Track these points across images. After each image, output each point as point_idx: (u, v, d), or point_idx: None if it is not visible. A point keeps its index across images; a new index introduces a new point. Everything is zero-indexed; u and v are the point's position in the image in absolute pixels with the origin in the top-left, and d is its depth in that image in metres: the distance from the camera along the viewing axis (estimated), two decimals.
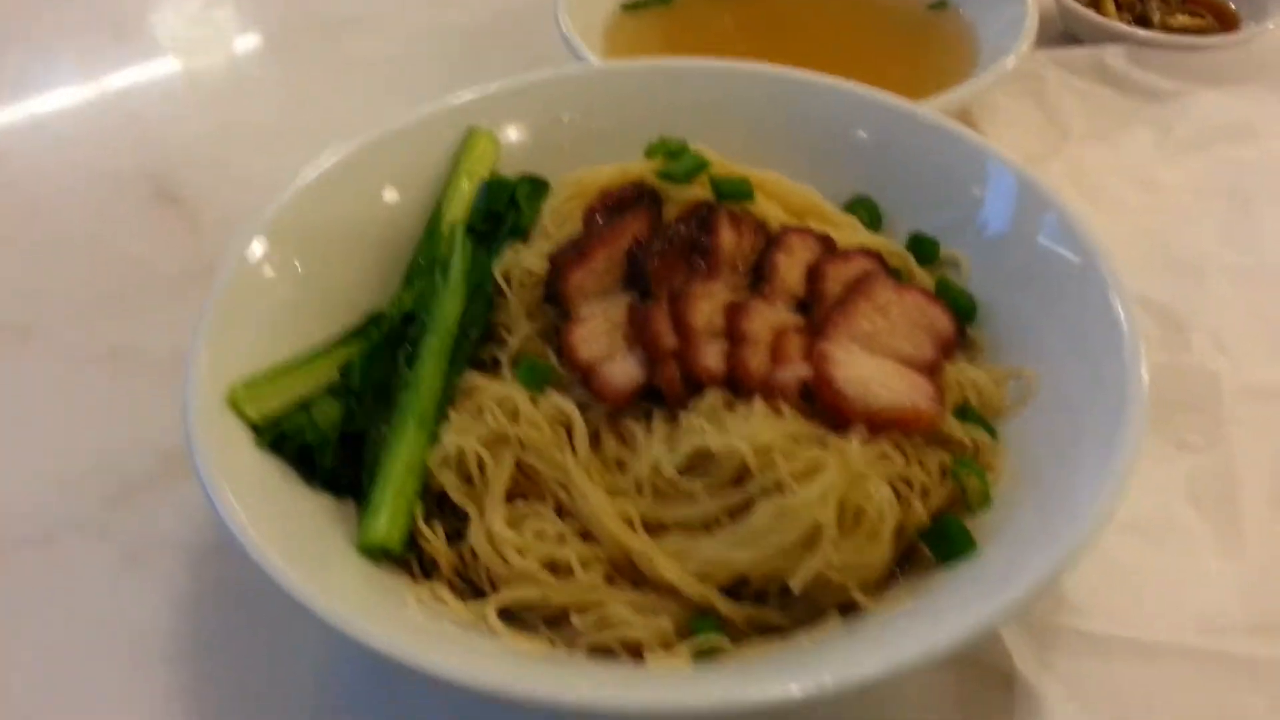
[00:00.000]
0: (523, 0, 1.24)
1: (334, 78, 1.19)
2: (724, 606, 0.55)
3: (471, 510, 0.59)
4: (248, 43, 1.29)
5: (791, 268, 0.66)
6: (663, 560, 0.55)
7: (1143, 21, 1.08)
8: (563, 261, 0.66)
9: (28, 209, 1.02)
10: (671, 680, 0.51)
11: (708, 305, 0.63)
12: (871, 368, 0.60)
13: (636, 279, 0.65)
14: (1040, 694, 0.58)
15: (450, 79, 1.14)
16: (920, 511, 0.58)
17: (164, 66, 1.24)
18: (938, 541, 0.57)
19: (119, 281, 0.93)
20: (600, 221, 0.69)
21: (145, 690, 0.64)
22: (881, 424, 0.58)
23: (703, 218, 0.68)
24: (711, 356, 0.60)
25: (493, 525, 0.57)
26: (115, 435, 0.79)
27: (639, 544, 0.56)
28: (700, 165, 0.72)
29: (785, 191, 0.74)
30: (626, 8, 1.08)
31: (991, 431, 0.62)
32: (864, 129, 0.76)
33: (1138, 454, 0.53)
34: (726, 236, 0.67)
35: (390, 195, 0.75)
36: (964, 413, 0.63)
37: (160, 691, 0.64)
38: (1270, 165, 0.95)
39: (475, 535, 0.58)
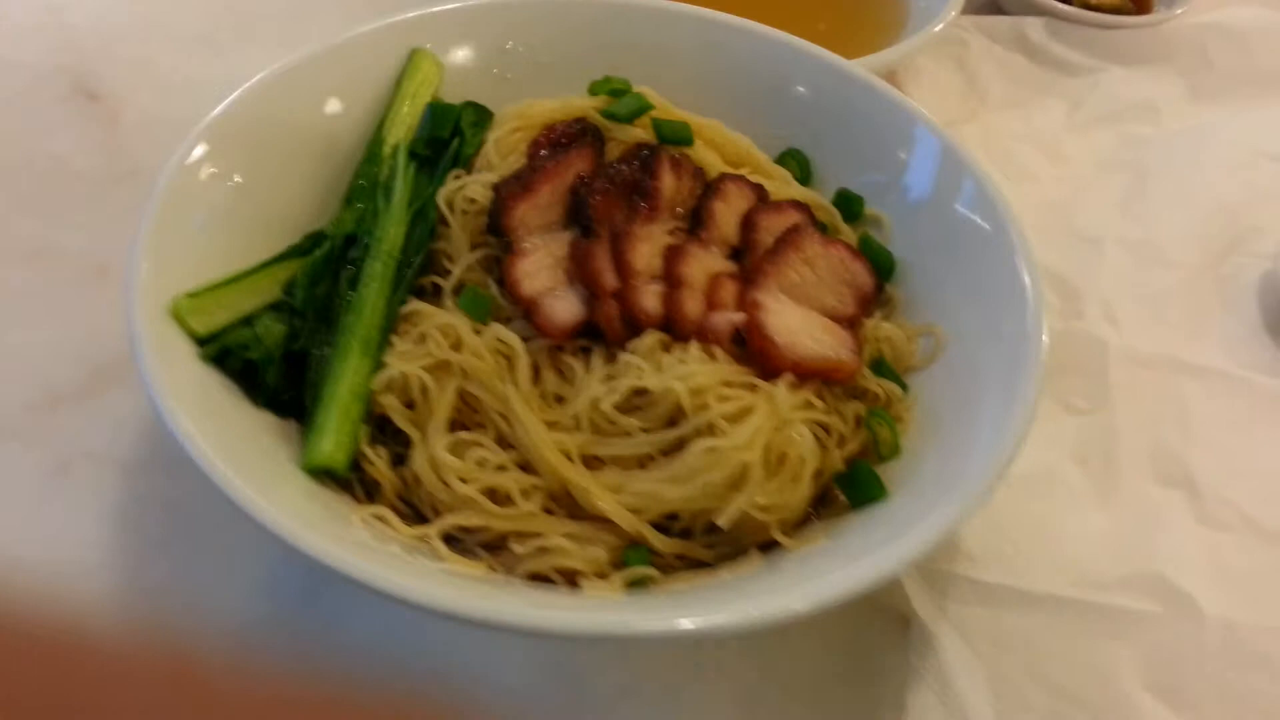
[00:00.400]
0: None
1: None
2: (655, 539, 0.59)
3: (415, 435, 0.61)
4: None
5: (727, 215, 0.69)
6: (599, 492, 0.58)
7: None
8: (507, 193, 0.67)
9: None
10: (607, 605, 0.55)
11: (647, 247, 0.66)
12: (799, 318, 0.64)
13: (579, 215, 0.67)
14: (934, 635, 0.63)
15: None
16: (836, 457, 0.62)
17: None
18: (851, 486, 0.61)
19: (36, 180, 0.90)
20: (545, 155, 0.70)
21: (75, 598, 0.65)
22: (807, 372, 0.61)
23: (645, 159, 0.70)
24: (650, 298, 0.63)
25: (435, 451, 0.59)
26: (38, 341, 0.78)
27: (577, 476, 0.59)
28: (644, 107, 0.74)
29: (722, 140, 0.76)
30: None
31: (902, 385, 0.67)
32: (802, 84, 0.78)
33: (1033, 414, 0.57)
34: (668, 180, 0.69)
35: (331, 110, 0.75)
36: (878, 366, 0.67)
37: (91, 601, 0.65)
38: (1169, 143, 1.01)
39: (418, 460, 0.60)
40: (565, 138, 0.71)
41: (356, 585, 0.49)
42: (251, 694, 0.64)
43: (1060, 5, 1.10)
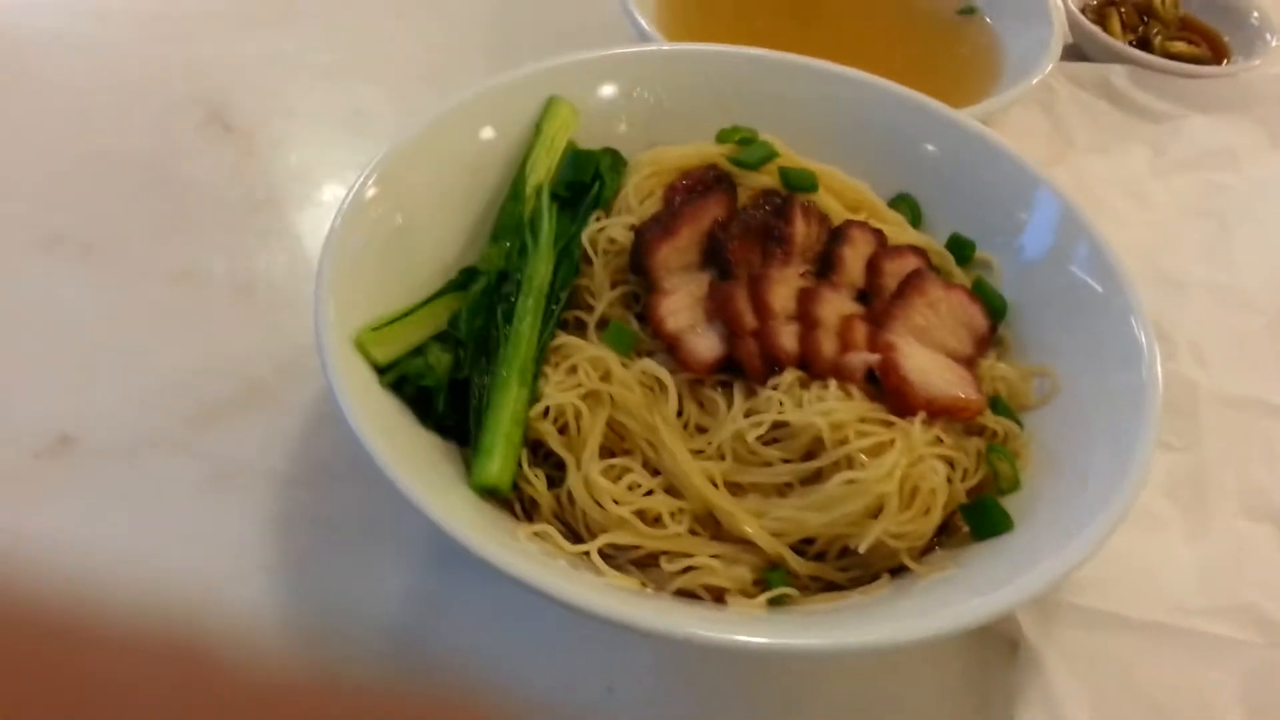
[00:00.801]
0: None
1: (383, 17, 1.21)
2: (793, 561, 0.63)
3: (569, 460, 0.66)
4: None
5: (854, 260, 0.74)
6: (744, 517, 0.63)
7: (1144, 44, 1.17)
8: (650, 235, 0.72)
9: (80, 122, 1.03)
10: (756, 622, 0.59)
11: (783, 289, 0.71)
12: (927, 359, 0.69)
13: (717, 258, 0.72)
14: (1040, 656, 0.67)
15: (494, 33, 1.20)
16: (960, 490, 0.67)
17: None
18: (977, 518, 0.65)
19: (178, 204, 0.96)
20: (682, 200, 0.75)
21: (231, 603, 0.70)
22: (937, 410, 0.66)
23: (778, 205, 0.75)
24: (788, 338, 0.68)
25: (590, 474, 0.64)
26: (190, 358, 0.83)
27: (722, 501, 0.63)
28: (770, 154, 0.78)
29: (841, 186, 0.81)
30: None
31: (1019, 423, 0.71)
32: (923, 137, 0.83)
33: (1151, 461, 0.62)
34: (799, 226, 0.74)
35: (477, 153, 0.80)
36: (995, 404, 0.71)
37: (246, 606, 0.70)
38: (1249, 191, 1.05)
39: (574, 482, 0.65)
40: (700, 184, 0.76)
41: (535, 593, 0.53)
42: (386, 702, 0.69)
43: (1142, 54, 1.14)
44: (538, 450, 0.68)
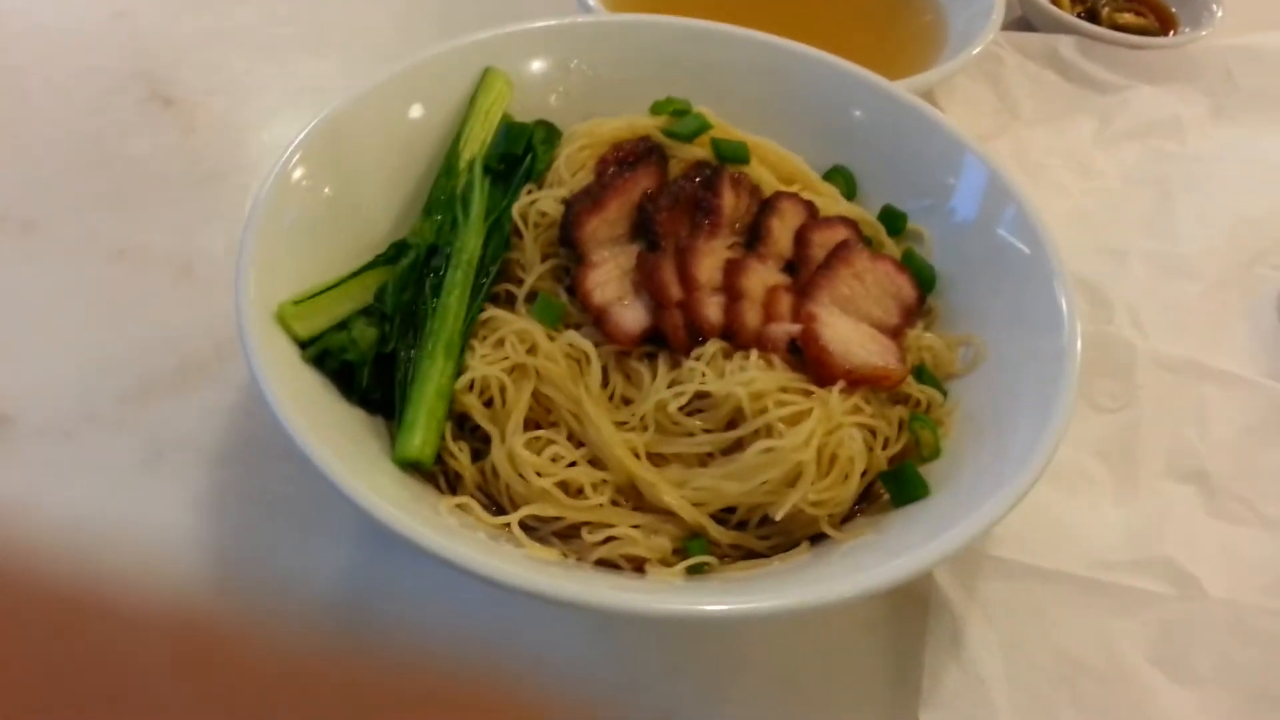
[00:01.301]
0: None
1: None
2: (714, 530, 0.64)
3: (494, 433, 0.66)
4: None
5: (782, 231, 0.74)
6: (664, 487, 0.64)
7: (1092, 15, 1.17)
8: (579, 208, 0.72)
9: (20, 100, 1.03)
10: (672, 590, 0.60)
11: (709, 261, 0.71)
12: (850, 329, 0.69)
13: (645, 230, 0.73)
14: (953, 603, 0.69)
15: (448, 5, 1.19)
16: (881, 458, 0.67)
17: None
18: (896, 485, 0.66)
19: (119, 181, 0.96)
20: (613, 173, 0.76)
21: (167, 577, 0.71)
22: (857, 380, 0.67)
23: (707, 177, 0.75)
24: (712, 309, 0.69)
25: (513, 447, 0.65)
26: (129, 335, 0.83)
27: (644, 471, 0.64)
28: (703, 126, 0.79)
29: (775, 158, 0.81)
30: None
31: (943, 391, 0.72)
32: (853, 106, 0.83)
33: (1068, 423, 0.63)
34: (728, 197, 0.74)
35: (411, 126, 0.80)
36: (920, 373, 0.72)
37: (180, 583, 0.70)
38: (1193, 159, 1.05)
39: (497, 455, 0.65)
40: (631, 155, 0.77)
41: (449, 566, 0.54)
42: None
43: (1090, 25, 1.14)
44: (464, 423, 0.68)
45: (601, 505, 0.64)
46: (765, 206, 0.75)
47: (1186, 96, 1.11)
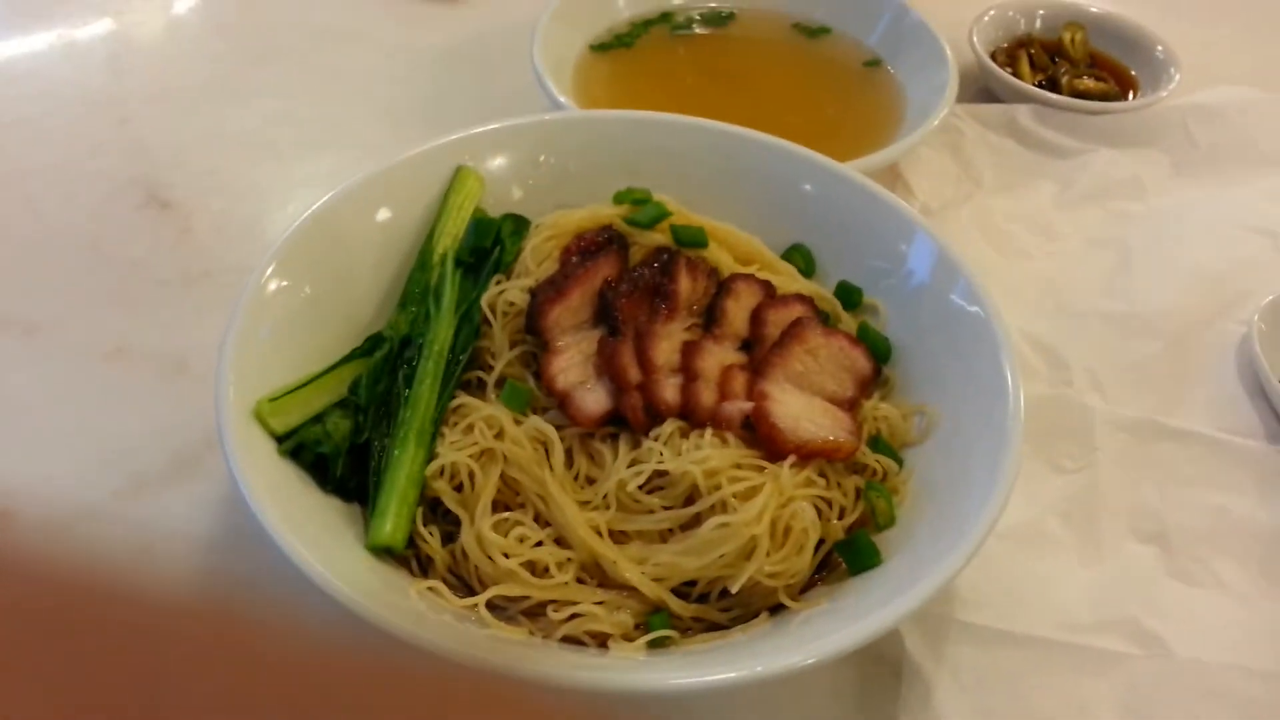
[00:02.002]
0: (492, 26, 1.34)
1: (314, 89, 1.26)
2: (674, 605, 0.67)
3: (463, 516, 0.69)
4: (230, 52, 1.34)
5: (738, 312, 0.78)
6: (625, 564, 0.66)
7: (1053, 84, 1.21)
8: (543, 298, 0.76)
9: (23, 205, 1.08)
10: (630, 665, 0.62)
11: (667, 344, 0.74)
12: (802, 404, 0.72)
13: (606, 316, 0.76)
14: (924, 670, 0.70)
15: (425, 97, 1.25)
16: (838, 527, 0.70)
17: (149, 74, 1.28)
18: (850, 554, 0.69)
19: (118, 282, 1.00)
20: (575, 262, 0.79)
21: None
22: (809, 454, 0.69)
23: (664, 263, 0.79)
24: (669, 390, 0.72)
25: (481, 530, 0.68)
26: (123, 432, 0.87)
27: (606, 550, 0.67)
28: (662, 214, 0.82)
29: (734, 240, 0.85)
30: (594, 48, 1.18)
31: (898, 460, 0.74)
32: (809, 186, 0.87)
33: (1012, 487, 0.65)
34: (684, 282, 0.78)
35: (386, 224, 0.84)
36: (875, 443, 0.75)
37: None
38: (1153, 219, 1.08)
39: (466, 538, 0.68)
40: (593, 245, 0.81)
41: (415, 649, 0.57)
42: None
43: (1048, 94, 1.18)
44: (436, 507, 0.71)
45: (566, 584, 0.67)
46: (721, 289, 0.78)
47: (1146, 157, 1.14)
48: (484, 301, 0.79)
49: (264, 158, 1.16)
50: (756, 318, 0.78)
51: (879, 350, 0.80)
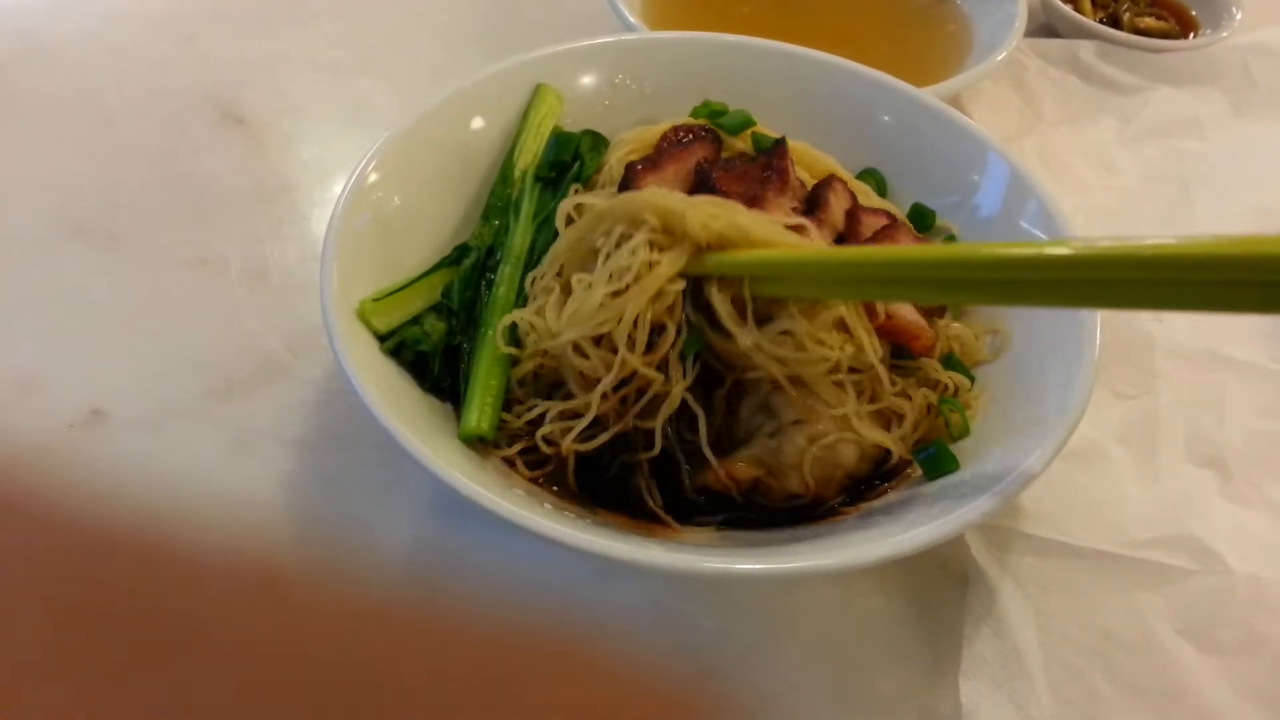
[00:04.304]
0: None
1: (374, 11, 1.27)
2: None
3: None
4: None
5: (837, 206, 0.79)
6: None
7: (1114, 21, 1.22)
8: (639, 167, 0.77)
9: (98, 119, 1.10)
10: (700, 550, 0.65)
11: (779, 215, 0.74)
12: None
13: (703, 187, 0.75)
14: (990, 579, 0.73)
15: (485, 19, 1.26)
16: (908, 438, 0.73)
17: None
18: (928, 460, 0.71)
19: (195, 196, 1.03)
20: (672, 142, 0.80)
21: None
22: (899, 331, 0.72)
23: (770, 149, 0.79)
24: None
25: None
26: (210, 337, 0.89)
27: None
28: (748, 121, 0.84)
29: (811, 159, 0.86)
30: None
31: (970, 376, 0.77)
32: (882, 112, 0.88)
33: (1086, 405, 0.67)
34: (790, 164, 0.79)
35: (471, 139, 0.86)
36: (948, 360, 0.77)
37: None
38: (1212, 157, 1.09)
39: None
40: (688, 135, 0.81)
41: (515, 529, 0.60)
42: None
43: (1111, 30, 1.18)
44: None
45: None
46: (822, 183, 0.80)
47: (1206, 95, 1.15)
48: (561, 208, 0.80)
49: (326, 79, 1.18)
50: (851, 216, 0.79)
51: None
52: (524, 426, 0.72)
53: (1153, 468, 0.82)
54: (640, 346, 0.67)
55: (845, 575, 0.69)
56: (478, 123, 0.86)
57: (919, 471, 0.72)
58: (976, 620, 0.72)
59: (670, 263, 0.67)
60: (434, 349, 0.73)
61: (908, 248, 0.73)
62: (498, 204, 0.84)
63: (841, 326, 0.68)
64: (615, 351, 0.67)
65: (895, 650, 0.73)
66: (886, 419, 0.73)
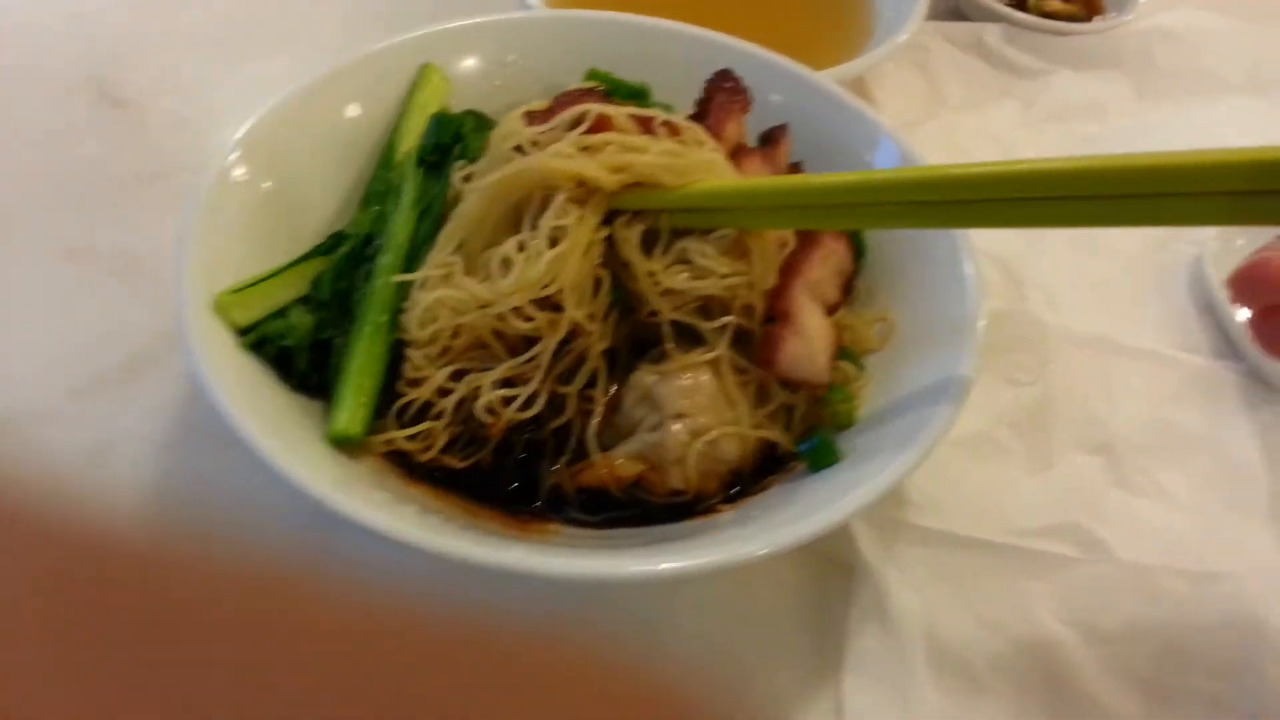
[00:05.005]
0: None
1: None
2: None
3: None
4: None
5: (784, 151, 0.79)
6: None
7: (1021, 4, 1.21)
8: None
9: None
10: (579, 552, 0.64)
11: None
12: (815, 325, 0.72)
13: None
14: (875, 569, 0.72)
15: (393, 5, 1.22)
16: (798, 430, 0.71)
17: None
18: (810, 453, 0.70)
19: (73, 181, 0.98)
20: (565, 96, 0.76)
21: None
22: (791, 383, 0.71)
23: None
24: None
25: None
26: (80, 332, 0.85)
27: None
28: (642, 90, 0.82)
29: None
30: None
31: (859, 365, 0.76)
32: (775, 93, 0.86)
33: (969, 393, 0.66)
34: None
35: (350, 121, 0.83)
36: (839, 351, 0.76)
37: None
38: (1113, 140, 1.09)
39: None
40: (580, 93, 0.78)
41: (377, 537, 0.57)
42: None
43: (1016, 13, 1.18)
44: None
45: None
46: (778, 127, 0.79)
47: (1108, 78, 1.15)
48: (453, 182, 0.77)
49: (218, 58, 1.13)
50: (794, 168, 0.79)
51: (859, 247, 0.80)
52: (449, 413, 0.69)
53: (1043, 455, 0.82)
54: (585, 302, 0.68)
55: (725, 573, 0.67)
56: (358, 103, 0.83)
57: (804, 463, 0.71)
58: (862, 614, 0.71)
59: (593, 211, 0.68)
60: (300, 343, 0.70)
61: (829, 175, 0.72)
62: (379, 189, 0.81)
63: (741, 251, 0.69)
64: (560, 310, 0.67)
65: (783, 645, 0.71)
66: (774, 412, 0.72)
